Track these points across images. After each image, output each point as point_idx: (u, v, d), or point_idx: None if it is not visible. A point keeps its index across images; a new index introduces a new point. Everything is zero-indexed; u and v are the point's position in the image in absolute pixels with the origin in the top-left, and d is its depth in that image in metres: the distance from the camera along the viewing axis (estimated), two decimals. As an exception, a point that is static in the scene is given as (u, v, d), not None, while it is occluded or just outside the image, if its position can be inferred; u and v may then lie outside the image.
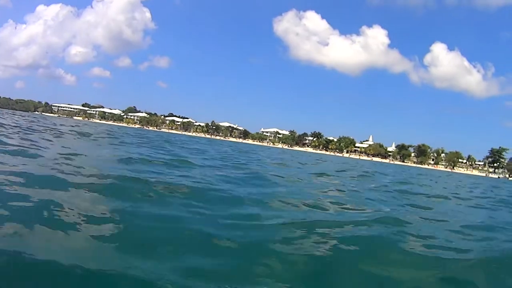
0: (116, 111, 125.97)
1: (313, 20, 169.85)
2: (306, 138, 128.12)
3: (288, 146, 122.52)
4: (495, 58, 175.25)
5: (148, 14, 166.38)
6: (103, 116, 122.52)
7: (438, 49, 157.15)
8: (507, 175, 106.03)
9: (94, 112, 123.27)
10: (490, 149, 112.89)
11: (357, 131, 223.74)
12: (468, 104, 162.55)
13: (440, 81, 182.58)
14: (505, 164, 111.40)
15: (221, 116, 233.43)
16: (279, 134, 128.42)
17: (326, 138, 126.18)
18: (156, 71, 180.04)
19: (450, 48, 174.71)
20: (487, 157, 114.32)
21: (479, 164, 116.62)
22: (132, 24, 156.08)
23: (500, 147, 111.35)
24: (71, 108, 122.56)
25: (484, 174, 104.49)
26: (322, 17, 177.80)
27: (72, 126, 32.49)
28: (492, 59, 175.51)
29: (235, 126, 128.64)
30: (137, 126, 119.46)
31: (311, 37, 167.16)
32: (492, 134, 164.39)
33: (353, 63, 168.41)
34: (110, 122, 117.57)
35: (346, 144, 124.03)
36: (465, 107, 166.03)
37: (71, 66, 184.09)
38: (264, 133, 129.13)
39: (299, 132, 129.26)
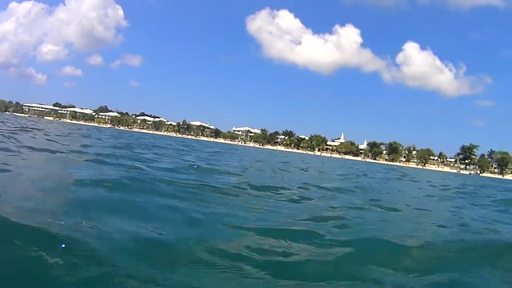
0: (87, 111, 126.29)
1: (286, 19, 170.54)
2: (278, 136, 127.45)
3: (260, 145, 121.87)
4: (466, 57, 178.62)
5: (120, 12, 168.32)
6: (74, 116, 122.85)
7: (411, 48, 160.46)
8: (478, 171, 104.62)
9: (65, 112, 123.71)
10: (461, 146, 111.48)
11: (329, 130, 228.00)
12: (440, 103, 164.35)
13: (412, 80, 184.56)
14: (476, 161, 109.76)
15: (193, 115, 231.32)
16: (251, 132, 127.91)
17: (298, 136, 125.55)
18: (128, 69, 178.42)
19: (422, 48, 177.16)
20: (458, 154, 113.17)
21: (450, 161, 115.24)
22: (105, 21, 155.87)
23: (471, 144, 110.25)
24: (42, 108, 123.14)
25: (455, 171, 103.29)
26: (295, 16, 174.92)
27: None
28: (464, 59, 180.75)
29: (206, 125, 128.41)
30: (108, 125, 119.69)
31: (284, 36, 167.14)
32: (463, 132, 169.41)
33: (325, 62, 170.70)
34: (81, 122, 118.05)
35: (318, 142, 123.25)
36: (436, 105, 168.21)
37: (42, 64, 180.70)
38: (236, 132, 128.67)
39: (271, 130, 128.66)
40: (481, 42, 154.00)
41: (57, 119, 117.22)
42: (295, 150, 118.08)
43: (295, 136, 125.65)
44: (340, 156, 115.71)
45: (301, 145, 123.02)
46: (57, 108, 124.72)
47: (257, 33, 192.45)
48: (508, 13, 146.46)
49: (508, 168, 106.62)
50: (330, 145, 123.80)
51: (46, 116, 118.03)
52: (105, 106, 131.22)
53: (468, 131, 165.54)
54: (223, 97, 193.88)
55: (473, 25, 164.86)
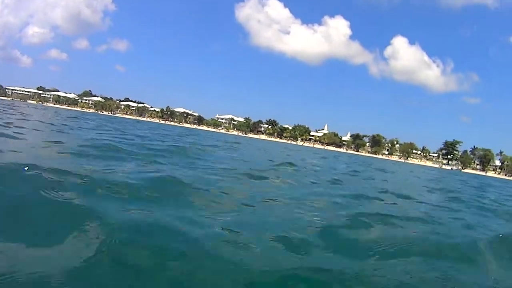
0: (71, 95, 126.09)
1: (276, 8, 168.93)
2: (261, 125, 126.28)
3: (243, 133, 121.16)
4: (454, 54, 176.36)
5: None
6: (58, 100, 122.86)
7: (399, 43, 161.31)
8: (460, 167, 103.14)
9: (49, 96, 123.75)
10: (444, 142, 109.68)
11: (313, 120, 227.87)
12: (426, 98, 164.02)
13: (399, 74, 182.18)
14: (458, 157, 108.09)
15: (178, 101, 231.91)
16: (234, 121, 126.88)
17: (281, 126, 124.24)
18: (114, 54, 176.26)
19: (411, 42, 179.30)
20: (441, 149, 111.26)
21: (433, 156, 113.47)
22: (92, 5, 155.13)
23: (454, 139, 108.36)
24: (25, 91, 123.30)
25: (437, 166, 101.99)
26: (285, 6, 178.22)
27: None
28: (452, 55, 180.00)
29: (190, 112, 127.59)
30: (91, 110, 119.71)
31: (272, 24, 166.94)
32: (449, 128, 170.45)
33: (313, 52, 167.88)
34: (65, 106, 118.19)
35: (301, 132, 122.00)
36: (422, 100, 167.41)
37: (27, 47, 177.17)
38: (219, 120, 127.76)
39: (255, 119, 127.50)
40: (470, 40, 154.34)
41: (40, 103, 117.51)
42: (278, 140, 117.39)
43: (279, 125, 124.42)
44: (322, 147, 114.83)
45: (284, 135, 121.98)
46: (41, 92, 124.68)
47: (246, 21, 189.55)
48: (498, 12, 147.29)
49: (490, 165, 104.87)
50: (313, 136, 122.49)
51: (29, 99, 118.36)
52: (90, 90, 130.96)
53: (453, 127, 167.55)
54: (208, 84, 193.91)
55: (463, 22, 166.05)
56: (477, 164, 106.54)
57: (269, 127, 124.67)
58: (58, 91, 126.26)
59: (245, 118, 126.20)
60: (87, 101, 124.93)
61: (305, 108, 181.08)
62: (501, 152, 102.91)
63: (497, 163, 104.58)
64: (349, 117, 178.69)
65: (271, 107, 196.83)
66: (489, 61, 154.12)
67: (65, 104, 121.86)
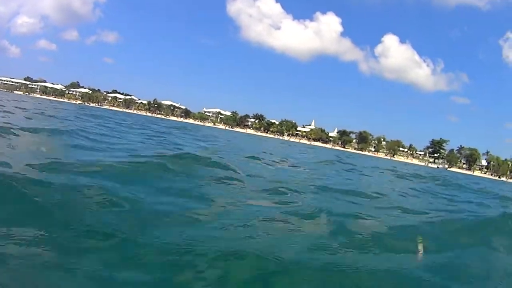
0: (59, 86, 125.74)
1: (267, 3, 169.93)
2: (248, 120, 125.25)
3: (229, 127, 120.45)
4: (445, 54, 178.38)
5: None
6: (45, 91, 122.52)
7: (390, 41, 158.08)
8: (447, 166, 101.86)
9: (36, 87, 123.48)
10: (431, 140, 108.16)
11: (301, 116, 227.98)
12: (415, 97, 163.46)
13: (389, 72, 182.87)
14: (445, 155, 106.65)
15: (165, 94, 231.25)
16: (221, 114, 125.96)
17: (268, 120, 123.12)
18: (103, 46, 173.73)
19: (402, 41, 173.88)
20: (428, 147, 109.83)
21: (420, 154, 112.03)
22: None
23: (440, 138, 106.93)
24: (12, 81, 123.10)
25: (424, 164, 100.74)
26: (277, 1, 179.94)
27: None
28: (442, 55, 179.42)
29: (177, 105, 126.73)
30: (78, 102, 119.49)
31: (264, 19, 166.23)
32: (437, 127, 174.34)
33: (304, 48, 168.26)
34: (51, 98, 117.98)
35: (288, 127, 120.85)
36: (411, 99, 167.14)
37: (16, 37, 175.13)
38: (206, 113, 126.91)
39: (242, 113, 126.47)
40: (461, 41, 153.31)
41: (27, 93, 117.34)
42: (264, 134, 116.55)
43: (266, 120, 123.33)
44: (309, 142, 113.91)
45: (271, 130, 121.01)
46: (28, 82, 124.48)
47: (237, 15, 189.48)
48: (489, 14, 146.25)
49: (476, 165, 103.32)
50: (300, 131, 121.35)
51: (16, 90, 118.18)
52: (77, 82, 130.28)
53: (441, 126, 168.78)
54: (196, 78, 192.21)
55: (454, 23, 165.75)
56: (464, 163, 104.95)
57: (256, 121, 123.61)
58: (46, 81, 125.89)
59: (232, 112, 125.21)
60: (74, 93, 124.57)
61: (293, 104, 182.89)
62: (487, 152, 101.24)
63: (483, 162, 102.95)
64: (337, 114, 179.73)
65: (259, 102, 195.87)
66: (479, 62, 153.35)
67: (52, 95, 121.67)
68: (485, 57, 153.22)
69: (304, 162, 18.69)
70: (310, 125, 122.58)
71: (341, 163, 22.05)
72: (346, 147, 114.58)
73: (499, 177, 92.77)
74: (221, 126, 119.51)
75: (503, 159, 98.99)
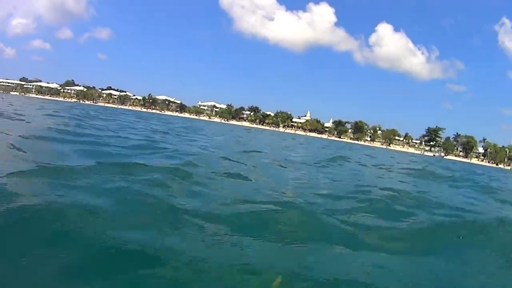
0: (54, 85, 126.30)
1: None
2: (244, 112, 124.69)
3: (225, 120, 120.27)
4: (440, 42, 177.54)
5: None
6: (40, 90, 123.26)
7: (384, 30, 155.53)
8: (443, 154, 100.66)
9: (31, 87, 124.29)
10: (426, 128, 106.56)
11: (296, 107, 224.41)
12: (410, 85, 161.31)
13: (383, 61, 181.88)
14: (441, 143, 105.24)
15: (160, 89, 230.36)
16: (217, 108, 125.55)
17: (263, 112, 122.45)
18: (97, 42, 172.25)
19: (396, 29, 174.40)
20: (424, 136, 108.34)
21: (416, 143, 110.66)
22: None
23: (436, 126, 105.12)
24: (8, 83, 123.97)
25: (420, 152, 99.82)
26: None
27: None
28: (437, 43, 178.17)
29: (172, 100, 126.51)
30: (73, 100, 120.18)
31: (257, 11, 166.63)
32: (433, 115, 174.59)
33: (297, 39, 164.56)
34: (47, 97, 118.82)
35: (283, 119, 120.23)
36: (406, 87, 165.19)
37: (11, 38, 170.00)
38: (201, 107, 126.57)
39: (237, 106, 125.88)
40: (455, 28, 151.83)
41: (23, 94, 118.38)
42: (259, 126, 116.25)
43: (261, 112, 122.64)
44: (304, 133, 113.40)
45: (266, 121, 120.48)
46: (23, 83, 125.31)
47: (229, 7, 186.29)
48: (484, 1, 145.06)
49: (473, 152, 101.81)
50: (295, 122, 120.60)
51: (12, 91, 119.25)
52: (72, 80, 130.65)
53: (437, 114, 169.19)
54: (190, 72, 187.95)
55: (449, 10, 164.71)
56: (460, 151, 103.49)
57: (251, 113, 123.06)
58: (41, 81, 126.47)
59: (227, 105, 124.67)
60: (69, 91, 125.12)
61: (288, 95, 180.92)
62: (484, 139, 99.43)
63: (480, 150, 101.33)
64: (332, 104, 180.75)
65: (254, 94, 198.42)
66: (474, 48, 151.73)
67: (47, 94, 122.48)
68: (481, 44, 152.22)
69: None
70: (305, 116, 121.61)
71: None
72: (341, 137, 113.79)
73: (497, 164, 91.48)
74: (217, 119, 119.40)
75: (500, 146, 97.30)
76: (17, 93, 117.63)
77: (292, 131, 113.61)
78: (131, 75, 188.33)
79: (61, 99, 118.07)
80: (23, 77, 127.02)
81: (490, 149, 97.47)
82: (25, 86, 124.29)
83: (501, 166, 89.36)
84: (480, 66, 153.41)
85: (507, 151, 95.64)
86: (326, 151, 29.82)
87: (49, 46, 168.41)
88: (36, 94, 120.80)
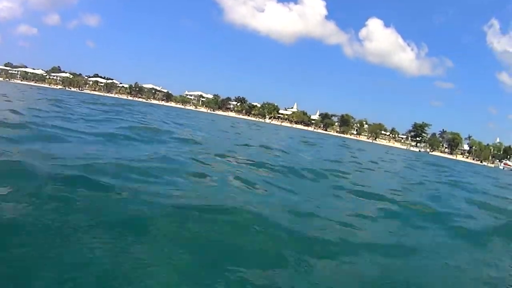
0: (39, 71, 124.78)
1: None
2: (230, 102, 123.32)
3: (211, 110, 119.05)
4: (429, 39, 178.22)
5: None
6: (25, 76, 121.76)
7: (374, 25, 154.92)
8: (428, 149, 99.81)
9: (16, 72, 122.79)
10: (413, 124, 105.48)
11: (284, 98, 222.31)
12: (399, 81, 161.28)
13: (373, 56, 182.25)
14: (427, 139, 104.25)
15: (147, 78, 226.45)
16: (203, 97, 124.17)
17: (250, 103, 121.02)
18: (85, 29, 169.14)
19: (386, 25, 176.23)
20: (410, 131, 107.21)
21: (402, 138, 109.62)
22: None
23: (423, 122, 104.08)
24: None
25: (405, 147, 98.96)
26: None
27: None
28: (427, 40, 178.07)
29: (158, 88, 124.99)
30: (59, 87, 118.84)
31: (247, 1, 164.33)
32: (420, 111, 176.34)
33: (288, 31, 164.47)
34: (32, 83, 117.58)
35: (269, 110, 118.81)
36: (395, 83, 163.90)
37: None
38: (188, 96, 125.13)
39: (224, 96, 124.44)
40: (445, 26, 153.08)
41: (7, 79, 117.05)
42: (245, 117, 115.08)
43: (247, 103, 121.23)
44: (290, 125, 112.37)
45: (253, 112, 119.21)
46: (8, 68, 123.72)
47: None
48: (477, 0, 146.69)
49: (459, 149, 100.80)
50: (282, 114, 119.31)
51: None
52: (58, 66, 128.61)
53: (424, 111, 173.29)
54: (178, 61, 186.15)
55: (439, 7, 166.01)
56: (446, 148, 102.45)
57: (238, 104, 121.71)
58: (26, 67, 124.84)
59: (214, 95, 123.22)
60: (55, 77, 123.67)
61: (276, 87, 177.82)
62: (469, 137, 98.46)
63: (466, 147, 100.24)
64: (320, 97, 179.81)
65: (241, 85, 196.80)
66: (463, 47, 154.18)
67: (32, 80, 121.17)
68: (470, 43, 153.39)
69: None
70: (292, 108, 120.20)
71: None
72: (328, 130, 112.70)
73: (481, 162, 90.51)
74: (203, 109, 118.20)
75: (485, 144, 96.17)
76: (1, 79, 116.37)
77: (278, 123, 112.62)
78: (118, 63, 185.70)
79: (46, 85, 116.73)
80: (8, 62, 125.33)
81: (475, 147, 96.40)
82: (9, 71, 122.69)
83: (485, 163, 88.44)
84: (469, 65, 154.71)
85: (492, 149, 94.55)
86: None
87: (36, 31, 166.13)
88: (21, 80, 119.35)
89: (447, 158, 79.76)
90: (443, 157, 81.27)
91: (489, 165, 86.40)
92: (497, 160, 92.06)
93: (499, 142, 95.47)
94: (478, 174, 31.31)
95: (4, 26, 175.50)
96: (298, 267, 3.62)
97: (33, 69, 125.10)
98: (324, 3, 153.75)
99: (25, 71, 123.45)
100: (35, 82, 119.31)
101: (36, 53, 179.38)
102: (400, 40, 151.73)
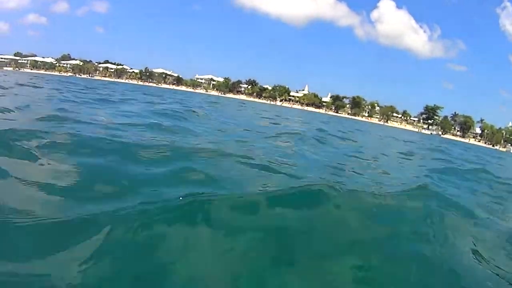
0: (49, 60, 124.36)
1: None
2: (241, 85, 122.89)
3: (222, 93, 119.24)
4: (442, 21, 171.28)
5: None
6: (35, 65, 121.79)
7: (386, 6, 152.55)
8: (440, 132, 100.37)
9: (26, 62, 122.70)
10: (425, 106, 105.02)
11: (295, 81, 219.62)
12: (411, 63, 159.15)
13: (385, 37, 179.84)
14: (439, 122, 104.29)
15: (157, 62, 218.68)
16: (214, 81, 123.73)
17: (261, 86, 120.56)
18: (94, 16, 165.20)
19: (399, 6, 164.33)
20: (421, 114, 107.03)
21: (414, 120, 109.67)
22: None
23: (434, 104, 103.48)
24: (2, 58, 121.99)
25: (417, 130, 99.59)
26: None
27: None
28: (440, 22, 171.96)
29: (169, 73, 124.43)
30: (69, 74, 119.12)
31: None
32: (432, 94, 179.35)
33: (299, 13, 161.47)
34: (42, 71, 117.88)
35: (281, 92, 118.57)
36: (407, 65, 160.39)
37: (4, 13, 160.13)
38: (198, 80, 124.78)
39: (235, 79, 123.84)
40: (459, 7, 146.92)
41: (17, 69, 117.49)
42: (256, 100, 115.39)
43: (258, 85, 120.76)
44: (301, 107, 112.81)
45: (263, 95, 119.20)
46: (18, 58, 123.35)
47: None
48: None
49: (471, 132, 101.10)
50: (293, 96, 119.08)
51: (6, 66, 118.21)
52: (68, 54, 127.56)
53: (437, 93, 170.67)
54: (188, 45, 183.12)
55: None
56: (458, 131, 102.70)
57: (249, 87, 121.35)
58: (36, 56, 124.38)
59: (225, 78, 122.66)
60: (64, 65, 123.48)
61: (287, 69, 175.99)
62: (481, 120, 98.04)
63: (478, 130, 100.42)
64: (332, 79, 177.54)
65: (252, 67, 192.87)
66: (476, 29, 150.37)
67: (42, 68, 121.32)
68: (483, 25, 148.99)
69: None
70: (303, 90, 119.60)
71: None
72: (339, 112, 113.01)
73: (493, 146, 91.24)
74: (214, 92, 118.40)
75: (497, 127, 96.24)
76: (11, 68, 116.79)
77: (289, 105, 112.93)
78: (129, 48, 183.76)
79: (56, 73, 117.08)
80: (18, 52, 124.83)
81: (487, 130, 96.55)
82: (19, 61, 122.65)
83: (497, 147, 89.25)
84: (482, 48, 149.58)
85: (504, 133, 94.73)
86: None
87: (45, 20, 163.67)
88: (31, 69, 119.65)
89: (459, 141, 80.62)
90: (454, 140, 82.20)
91: (501, 149, 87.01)
92: (509, 144, 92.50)
93: (511, 126, 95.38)
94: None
95: (13, 16, 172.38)
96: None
97: (43, 57, 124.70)
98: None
99: (34, 60, 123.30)
100: (45, 70, 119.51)
101: (46, 42, 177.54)
102: (413, 21, 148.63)
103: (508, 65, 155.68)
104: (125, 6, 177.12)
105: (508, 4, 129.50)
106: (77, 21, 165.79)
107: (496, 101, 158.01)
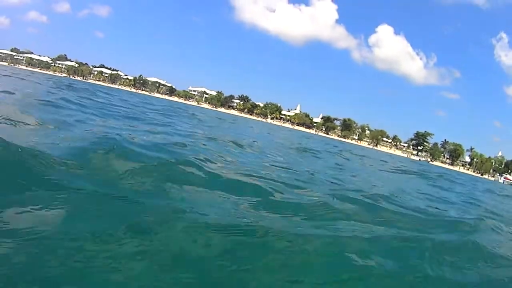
0: (45, 58, 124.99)
1: None
2: (233, 100, 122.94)
3: (213, 107, 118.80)
4: (439, 49, 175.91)
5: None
6: (30, 62, 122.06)
7: (385, 31, 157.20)
8: (429, 159, 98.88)
9: (22, 58, 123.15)
10: (415, 132, 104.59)
11: (288, 99, 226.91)
12: (405, 89, 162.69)
13: (381, 62, 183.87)
14: (428, 148, 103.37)
15: (152, 71, 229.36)
16: (207, 94, 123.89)
17: (253, 102, 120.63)
18: (95, 19, 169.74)
19: (396, 32, 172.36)
20: (412, 139, 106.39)
21: (403, 146, 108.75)
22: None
23: (425, 131, 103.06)
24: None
25: (406, 155, 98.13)
26: None
27: None
28: (436, 50, 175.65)
29: (162, 82, 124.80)
30: (63, 75, 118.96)
31: (258, 1, 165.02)
32: (424, 120, 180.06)
33: (297, 33, 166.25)
34: (37, 70, 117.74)
35: (272, 110, 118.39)
36: (401, 91, 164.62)
37: (6, 8, 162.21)
38: (191, 92, 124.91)
39: (228, 94, 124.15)
40: (455, 37, 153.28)
41: (12, 64, 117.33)
42: (247, 116, 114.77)
43: (250, 101, 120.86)
44: (291, 126, 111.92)
45: (255, 111, 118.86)
46: (14, 53, 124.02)
47: None
48: (484, 12, 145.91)
49: (460, 161, 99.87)
50: (284, 115, 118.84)
51: (2, 61, 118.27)
52: (65, 54, 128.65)
53: (428, 120, 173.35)
54: (185, 56, 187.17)
55: (450, 18, 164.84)
56: (447, 158, 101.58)
57: (241, 102, 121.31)
58: (32, 53, 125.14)
59: (217, 92, 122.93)
60: (60, 65, 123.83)
61: (281, 87, 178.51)
62: (471, 148, 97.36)
63: (467, 159, 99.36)
64: (325, 100, 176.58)
65: (246, 83, 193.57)
66: (472, 59, 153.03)
67: (37, 67, 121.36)
68: (478, 55, 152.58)
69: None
70: (295, 109, 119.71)
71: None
72: (329, 133, 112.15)
73: (482, 175, 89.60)
74: (205, 105, 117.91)
75: (487, 156, 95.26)
76: (6, 64, 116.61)
77: (280, 123, 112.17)
78: (125, 54, 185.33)
79: (51, 73, 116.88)
80: (15, 48, 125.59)
81: (477, 159, 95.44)
82: (15, 57, 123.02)
83: (485, 176, 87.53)
84: (476, 77, 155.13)
85: (493, 162, 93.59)
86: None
87: (46, 18, 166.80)
88: (26, 66, 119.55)
89: (448, 168, 79.04)
90: (444, 167, 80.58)
91: (489, 178, 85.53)
92: (498, 174, 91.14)
93: (501, 156, 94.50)
94: None
95: (14, 12, 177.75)
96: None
97: (39, 56, 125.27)
98: (335, 7, 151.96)
99: (30, 57, 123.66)
100: (40, 69, 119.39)
101: (44, 40, 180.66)
102: (410, 48, 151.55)
103: (502, 95, 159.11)
104: (126, 13, 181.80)
105: (504, 35, 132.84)
106: (77, 23, 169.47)
107: (488, 130, 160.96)
